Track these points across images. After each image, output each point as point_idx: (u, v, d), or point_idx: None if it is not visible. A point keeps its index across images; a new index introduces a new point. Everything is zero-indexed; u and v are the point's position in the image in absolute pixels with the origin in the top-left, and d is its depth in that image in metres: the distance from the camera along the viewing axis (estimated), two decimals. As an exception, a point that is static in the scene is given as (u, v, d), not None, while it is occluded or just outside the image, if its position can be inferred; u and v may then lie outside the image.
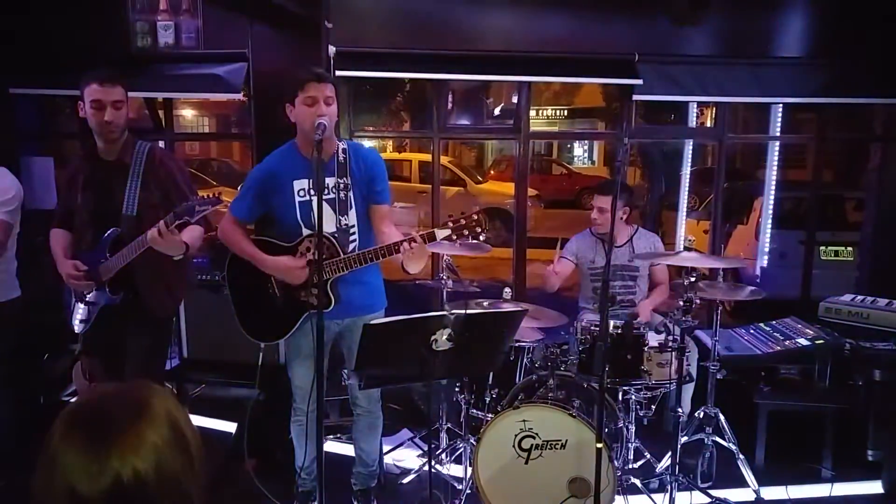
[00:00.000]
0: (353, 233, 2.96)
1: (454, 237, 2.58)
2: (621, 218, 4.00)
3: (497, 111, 19.03)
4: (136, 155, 2.97)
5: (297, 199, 2.93)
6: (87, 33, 4.49)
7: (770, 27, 4.82)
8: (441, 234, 2.58)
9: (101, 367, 3.17)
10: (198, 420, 4.21)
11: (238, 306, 3.10)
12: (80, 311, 3.08)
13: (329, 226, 2.86)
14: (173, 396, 1.20)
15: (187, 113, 20.48)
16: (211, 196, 2.67)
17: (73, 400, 1.14)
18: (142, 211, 2.92)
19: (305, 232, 2.91)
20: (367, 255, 2.77)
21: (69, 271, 2.99)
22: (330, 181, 2.90)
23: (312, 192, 2.87)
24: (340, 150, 2.94)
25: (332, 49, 4.30)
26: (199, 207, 2.63)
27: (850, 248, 6.90)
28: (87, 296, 3.04)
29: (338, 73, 4.31)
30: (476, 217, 2.55)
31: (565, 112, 22.83)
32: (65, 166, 4.94)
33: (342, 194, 2.91)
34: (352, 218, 2.95)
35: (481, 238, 2.60)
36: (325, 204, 2.85)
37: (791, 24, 4.87)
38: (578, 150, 24.77)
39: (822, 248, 6.77)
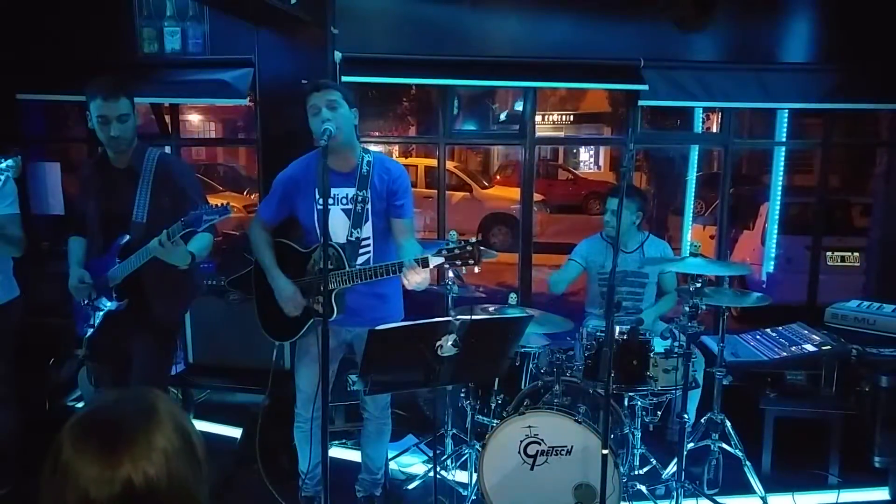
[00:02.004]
0: (366, 246, 2.97)
1: (447, 266, 2.59)
2: (634, 223, 4.00)
3: (503, 116, 19.01)
4: (146, 162, 2.97)
5: (317, 206, 2.95)
6: (94, 39, 4.51)
7: (776, 33, 4.81)
8: (434, 261, 2.59)
9: (107, 372, 3.17)
10: (203, 425, 4.21)
11: (259, 305, 3.17)
12: (86, 317, 3.09)
13: (341, 236, 2.88)
14: (176, 402, 1.21)
15: (194, 118, 20.52)
16: (219, 206, 2.68)
17: (79, 406, 1.15)
18: (151, 218, 2.92)
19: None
20: (367, 272, 2.78)
21: (74, 282, 3.02)
22: (350, 192, 2.92)
23: (338, 200, 2.94)
24: (365, 162, 2.95)
25: (338, 54, 4.32)
26: (206, 217, 2.63)
27: (856, 254, 6.88)
28: (95, 301, 3.05)
29: (344, 78, 4.32)
30: (470, 249, 2.52)
31: (571, 117, 22.78)
32: (72, 171, 4.97)
33: (359, 207, 2.92)
34: (366, 231, 2.96)
35: (475, 270, 2.58)
36: (341, 213, 2.91)
37: (797, 29, 4.86)
38: (584, 155, 24.78)
39: (829, 253, 6.76)
